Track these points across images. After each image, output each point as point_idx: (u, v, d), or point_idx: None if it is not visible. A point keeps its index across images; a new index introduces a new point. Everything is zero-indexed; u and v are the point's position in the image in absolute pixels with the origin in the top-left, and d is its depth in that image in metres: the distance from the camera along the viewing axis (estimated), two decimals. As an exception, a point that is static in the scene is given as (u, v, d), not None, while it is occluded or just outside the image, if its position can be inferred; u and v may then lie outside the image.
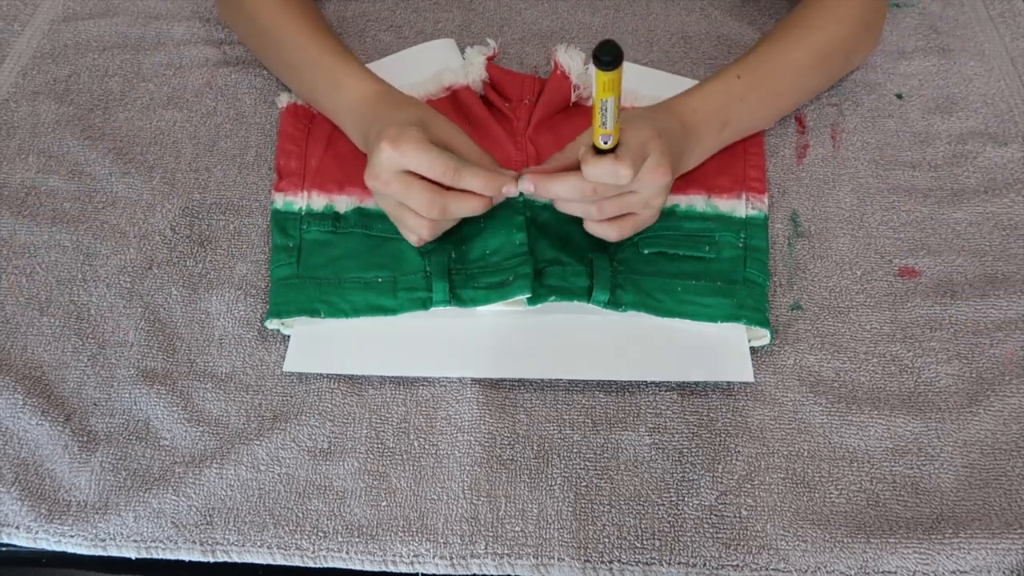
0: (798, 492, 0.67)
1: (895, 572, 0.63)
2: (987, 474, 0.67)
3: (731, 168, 0.81)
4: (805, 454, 0.68)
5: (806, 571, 0.63)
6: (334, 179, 0.81)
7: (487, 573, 0.64)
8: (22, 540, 0.66)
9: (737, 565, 0.64)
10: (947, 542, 0.64)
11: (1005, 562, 0.63)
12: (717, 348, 0.72)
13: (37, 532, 0.66)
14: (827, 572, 0.63)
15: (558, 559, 0.64)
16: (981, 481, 0.67)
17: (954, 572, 0.63)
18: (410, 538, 0.65)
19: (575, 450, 0.69)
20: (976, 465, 0.68)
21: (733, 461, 0.68)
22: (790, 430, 0.70)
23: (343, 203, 0.79)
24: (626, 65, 0.89)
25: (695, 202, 0.79)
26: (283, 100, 0.87)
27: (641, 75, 0.90)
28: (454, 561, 0.64)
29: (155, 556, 0.65)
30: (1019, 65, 0.91)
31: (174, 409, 0.71)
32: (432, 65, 0.88)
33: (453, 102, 0.85)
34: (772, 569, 0.63)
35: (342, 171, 0.81)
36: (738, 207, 0.79)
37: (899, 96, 0.89)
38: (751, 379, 0.70)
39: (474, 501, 0.67)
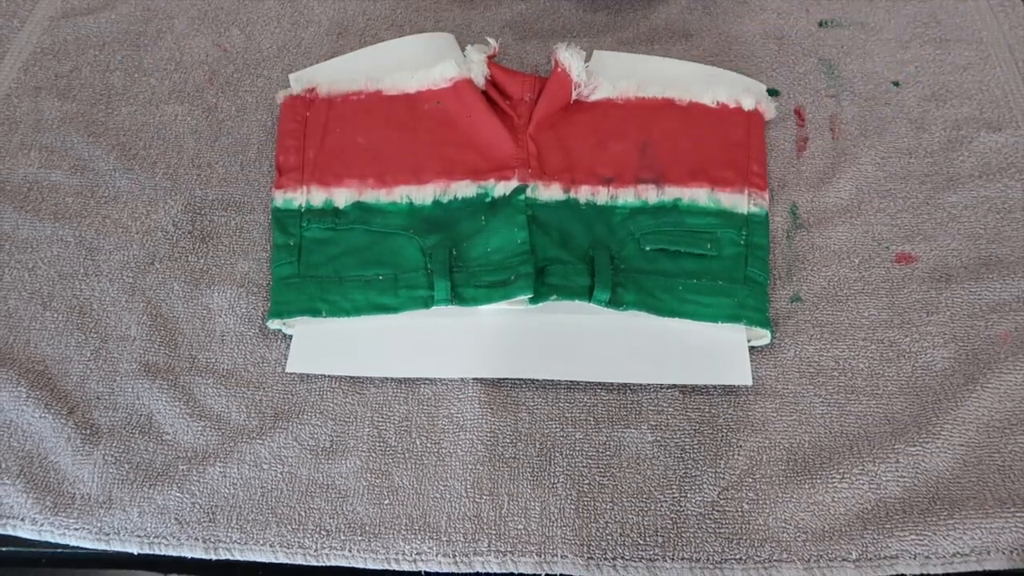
0: (799, 482, 0.64)
1: (896, 556, 0.61)
2: (981, 451, 0.65)
3: (735, 160, 0.78)
4: (807, 444, 0.66)
5: (808, 560, 0.61)
6: (332, 171, 0.78)
7: (490, 571, 0.62)
8: (27, 532, 0.64)
9: (740, 559, 0.61)
10: (943, 523, 0.62)
11: (1001, 541, 0.61)
12: (716, 351, 0.70)
13: (42, 524, 0.64)
14: (828, 560, 0.61)
15: (561, 556, 0.62)
16: (976, 459, 0.65)
17: (955, 555, 0.61)
18: (413, 536, 0.63)
19: (577, 448, 0.66)
20: (971, 443, 0.66)
21: (735, 456, 0.66)
22: (791, 422, 0.67)
23: (342, 196, 0.77)
24: (626, 58, 0.87)
25: (698, 196, 0.76)
26: (281, 96, 0.84)
27: (640, 64, 0.87)
28: (457, 559, 0.62)
29: (158, 552, 0.63)
30: (1017, 53, 0.89)
31: (176, 404, 0.69)
32: (432, 55, 0.85)
33: (455, 93, 0.81)
34: (775, 561, 0.61)
35: (340, 162, 0.79)
36: (740, 203, 0.76)
37: (896, 84, 0.86)
38: (749, 383, 0.68)
39: (476, 499, 0.64)
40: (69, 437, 0.67)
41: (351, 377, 0.70)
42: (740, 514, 0.63)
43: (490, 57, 0.83)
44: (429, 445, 0.66)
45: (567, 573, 0.61)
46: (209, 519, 0.64)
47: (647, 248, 0.72)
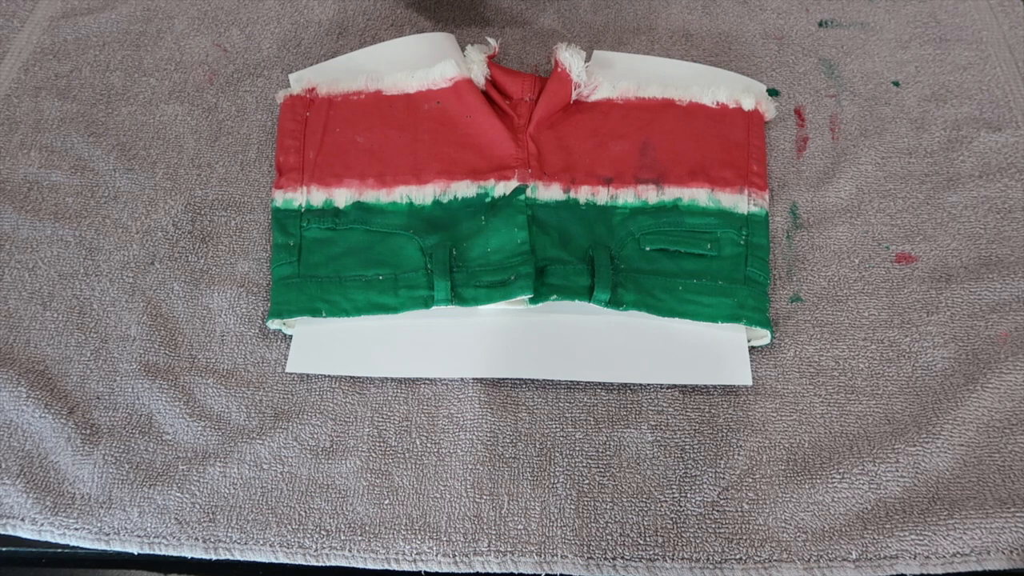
0: (799, 482, 0.64)
1: (896, 556, 0.61)
2: (981, 451, 0.65)
3: (735, 160, 0.78)
4: (807, 444, 0.66)
5: (808, 560, 0.61)
6: (332, 171, 0.78)
7: (490, 571, 0.62)
8: (27, 532, 0.64)
9: (740, 559, 0.61)
10: (943, 523, 0.61)
11: (1001, 540, 0.61)
12: (716, 351, 0.69)
13: (42, 524, 0.64)
14: (828, 560, 0.61)
15: (561, 556, 0.61)
16: (976, 459, 0.65)
17: (955, 555, 0.61)
18: (413, 536, 0.62)
19: (577, 448, 0.66)
20: (971, 443, 0.65)
21: (735, 456, 0.65)
22: (791, 422, 0.67)
23: (342, 196, 0.76)
24: (626, 58, 0.87)
25: (698, 196, 0.75)
26: (281, 96, 0.84)
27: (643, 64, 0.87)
28: (457, 559, 0.62)
29: (158, 552, 0.63)
30: (1017, 53, 0.88)
31: (176, 404, 0.68)
32: (432, 55, 0.84)
33: (455, 93, 0.81)
34: (775, 561, 0.61)
35: (340, 162, 0.78)
36: (740, 203, 0.75)
37: (896, 84, 0.86)
38: (749, 382, 0.68)
39: (477, 499, 0.64)
40: (69, 437, 0.66)
41: (351, 377, 0.69)
42: (740, 514, 0.63)
43: (490, 57, 0.83)
44: (429, 445, 0.66)
45: (567, 573, 0.61)
46: (209, 519, 0.63)
47: (647, 248, 0.72)
